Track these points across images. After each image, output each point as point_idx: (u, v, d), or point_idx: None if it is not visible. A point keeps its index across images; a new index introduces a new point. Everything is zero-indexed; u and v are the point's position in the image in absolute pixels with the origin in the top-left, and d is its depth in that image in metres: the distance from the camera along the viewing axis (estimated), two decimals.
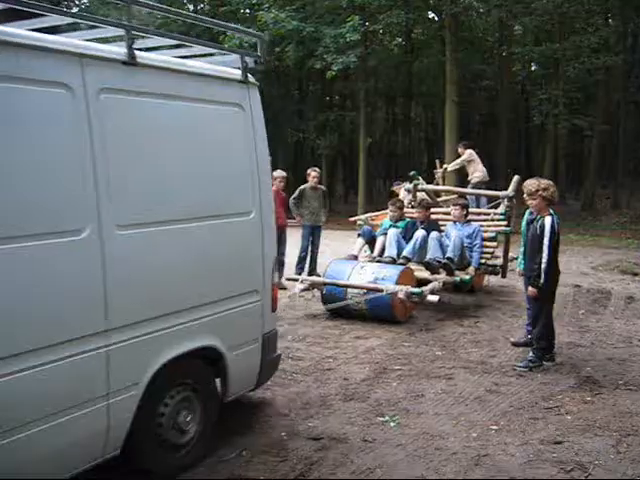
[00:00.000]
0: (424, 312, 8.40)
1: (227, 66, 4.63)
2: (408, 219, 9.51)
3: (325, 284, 8.39)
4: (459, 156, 14.78)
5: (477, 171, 14.30)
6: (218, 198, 4.38)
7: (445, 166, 15.00)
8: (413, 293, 7.64)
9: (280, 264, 9.62)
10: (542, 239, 6.16)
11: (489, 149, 27.64)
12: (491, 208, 10.37)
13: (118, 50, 3.76)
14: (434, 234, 8.68)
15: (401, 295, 7.59)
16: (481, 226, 9.22)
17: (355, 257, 9.25)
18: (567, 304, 9.06)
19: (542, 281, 6.18)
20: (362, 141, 23.05)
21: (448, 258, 8.42)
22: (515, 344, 7.01)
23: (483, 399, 5.53)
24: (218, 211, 4.37)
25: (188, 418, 4.23)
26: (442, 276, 8.33)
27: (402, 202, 9.97)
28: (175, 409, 4.14)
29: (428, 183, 11.50)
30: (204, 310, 4.23)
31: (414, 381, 5.94)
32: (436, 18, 24.99)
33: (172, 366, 4.01)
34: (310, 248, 10.39)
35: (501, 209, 9.62)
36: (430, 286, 7.92)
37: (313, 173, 10.50)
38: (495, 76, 27.79)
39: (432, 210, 9.72)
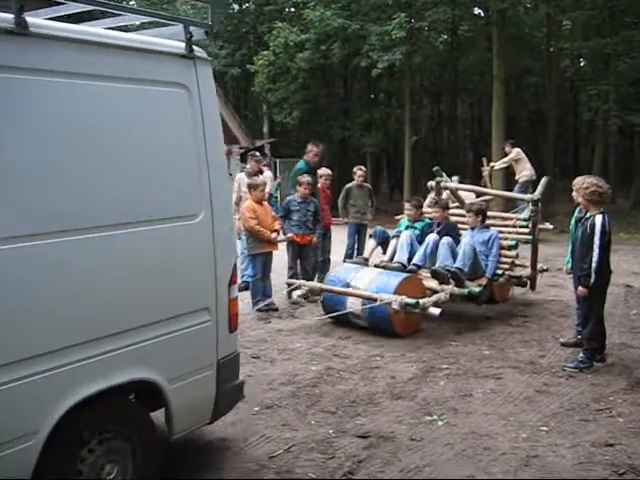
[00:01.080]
0: (472, 311, 8.32)
1: (173, 39, 3.84)
2: (427, 220, 8.80)
3: (322, 290, 7.80)
4: (506, 154, 14.65)
5: (525, 170, 14.16)
6: (152, 199, 3.62)
7: (492, 164, 14.85)
8: (408, 304, 6.82)
9: (327, 262, 9.67)
10: (592, 238, 6.06)
11: (537, 146, 27.24)
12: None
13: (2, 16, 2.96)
14: (445, 240, 7.92)
15: (395, 306, 6.83)
16: (500, 232, 8.44)
17: (366, 260, 8.63)
18: (618, 304, 8.88)
19: (592, 281, 6.08)
20: (407, 139, 22.90)
21: (457, 268, 7.64)
22: (565, 344, 6.91)
23: (532, 399, 5.47)
24: (151, 215, 3.59)
25: (114, 473, 3.43)
26: (449, 287, 7.51)
27: (420, 200, 9.23)
28: (97, 464, 3.35)
29: (474, 182, 11.36)
30: (132, 336, 3.46)
31: (462, 380, 5.91)
32: (482, 14, 24.72)
33: (87, 408, 3.24)
34: (356, 246, 10.39)
35: (525, 214, 8.71)
36: (434, 297, 7.22)
37: (359, 172, 10.50)
38: (543, 72, 27.33)
39: (458, 212, 9.06)
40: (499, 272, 8.21)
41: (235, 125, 20.38)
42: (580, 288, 6.24)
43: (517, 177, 14.20)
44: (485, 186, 13.62)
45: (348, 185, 10.51)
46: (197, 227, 3.87)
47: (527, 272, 8.72)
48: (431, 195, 9.83)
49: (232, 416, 5.03)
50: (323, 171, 9.89)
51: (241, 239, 8.81)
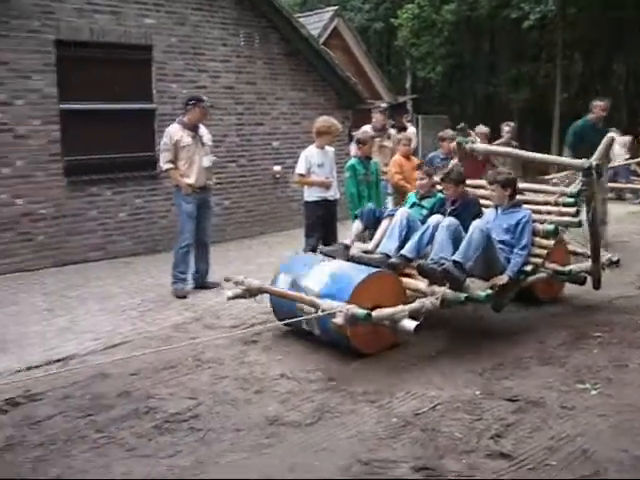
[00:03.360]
0: (620, 276, 7.85)
1: None
2: (440, 195, 6.74)
3: (260, 291, 6.09)
4: None
5: None
6: None
7: None
8: (356, 316, 4.93)
9: None
10: None
11: None
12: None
13: None
14: (447, 221, 5.82)
15: (337, 319, 4.90)
16: (537, 212, 6.19)
17: (347, 248, 6.52)
18: None
19: None
20: (557, 95, 21.86)
21: (455, 262, 5.50)
22: None
23: None
24: None
25: None
26: (442, 289, 5.46)
27: (432, 169, 7.14)
28: None
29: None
30: None
31: (617, 349, 5.61)
32: None
33: None
34: None
35: (573, 187, 6.60)
36: (408, 307, 5.24)
37: (506, 128, 10.15)
38: None
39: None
40: (527, 268, 5.94)
41: (378, 80, 20.19)
42: None
43: None
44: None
45: (496, 142, 10.17)
46: None
47: (586, 265, 6.74)
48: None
49: (374, 372, 5.09)
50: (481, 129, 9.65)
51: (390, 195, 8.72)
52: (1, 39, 8.61)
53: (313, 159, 7.60)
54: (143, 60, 10.03)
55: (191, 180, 7.52)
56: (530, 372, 5.11)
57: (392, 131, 10.21)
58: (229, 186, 11.09)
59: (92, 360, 5.45)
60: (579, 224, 6.08)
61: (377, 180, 7.88)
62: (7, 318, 6.73)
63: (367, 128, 9.68)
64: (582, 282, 6.76)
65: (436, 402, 4.55)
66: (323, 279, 5.63)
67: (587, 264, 6.71)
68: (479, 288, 5.60)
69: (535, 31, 24.78)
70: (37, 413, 4.43)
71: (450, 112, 25.97)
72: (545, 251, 6.04)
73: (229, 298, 6.24)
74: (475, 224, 5.64)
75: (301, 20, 13.22)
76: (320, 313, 5.13)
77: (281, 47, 11.73)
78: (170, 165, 7.53)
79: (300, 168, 7.62)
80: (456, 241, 5.68)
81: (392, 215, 6.45)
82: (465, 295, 5.45)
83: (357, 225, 6.74)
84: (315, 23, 17.74)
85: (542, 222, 6.07)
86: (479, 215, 6.20)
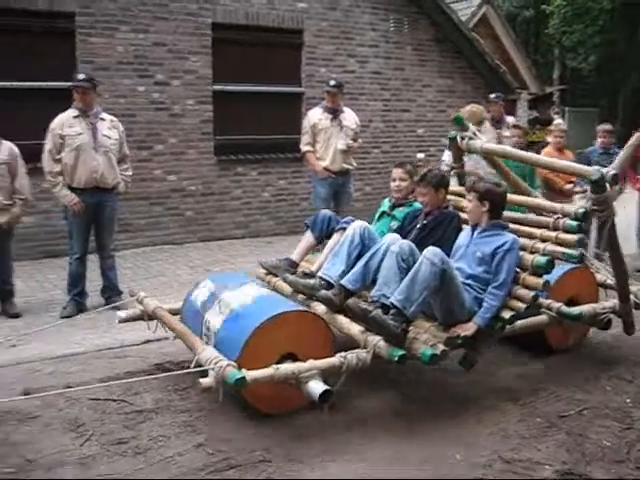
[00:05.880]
0: None
1: None
2: (418, 204, 5.08)
3: (154, 315, 4.72)
4: None
5: None
6: None
7: None
8: (227, 380, 3.57)
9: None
10: None
11: None
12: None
13: None
14: (398, 246, 4.25)
15: (206, 381, 3.60)
16: (526, 236, 4.52)
17: (294, 266, 5.06)
18: None
19: None
20: None
21: (392, 304, 4.01)
22: None
23: None
24: None
25: None
26: (375, 340, 4.00)
27: (413, 168, 5.30)
28: None
29: None
30: None
31: None
32: None
33: None
34: None
35: (578, 205, 5.17)
36: (324, 363, 3.89)
37: None
38: None
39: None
40: (504, 315, 4.27)
41: (525, 70, 19.52)
42: None
43: None
44: None
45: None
46: None
47: (612, 304, 5.17)
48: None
49: (519, 368, 4.96)
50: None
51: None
52: (161, 22, 9.02)
53: None
54: (294, 44, 10.20)
55: (326, 163, 7.62)
56: None
57: (509, 119, 9.29)
58: (371, 172, 11.12)
59: None
60: (579, 258, 4.30)
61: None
62: (153, 289, 7.04)
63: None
64: (606, 326, 5.17)
65: (583, 406, 4.37)
66: (224, 314, 4.26)
67: (611, 303, 5.20)
68: (434, 338, 4.11)
69: None
70: (185, 380, 4.61)
71: (598, 105, 24.78)
72: (532, 291, 4.28)
73: (121, 320, 4.90)
74: (427, 253, 4.02)
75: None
76: (192, 368, 3.87)
77: (430, 33, 11.58)
78: (308, 148, 7.69)
79: (445, 157, 7.52)
80: (407, 271, 4.10)
81: (344, 228, 4.87)
82: (399, 354, 3.88)
83: (307, 237, 5.15)
84: (463, 10, 17.37)
85: (534, 251, 4.39)
86: (454, 231, 4.73)
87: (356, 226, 4.70)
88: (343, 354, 3.94)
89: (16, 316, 6.25)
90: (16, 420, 4.01)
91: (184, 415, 4.14)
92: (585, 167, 4.60)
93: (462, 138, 5.16)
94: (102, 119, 6.33)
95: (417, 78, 11.59)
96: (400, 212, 5.09)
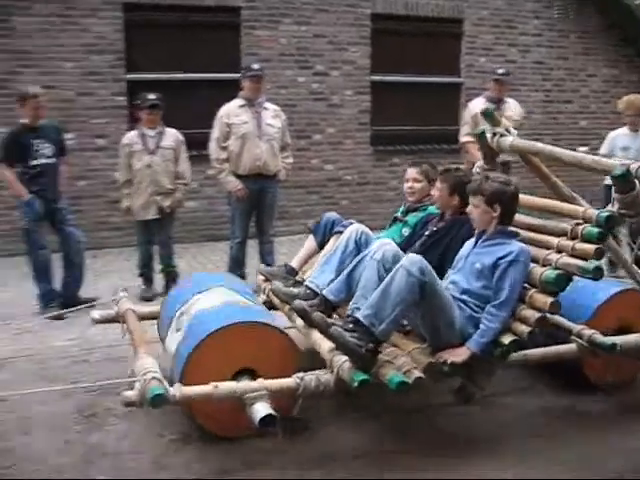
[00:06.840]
0: None
1: None
2: (433, 208, 4.52)
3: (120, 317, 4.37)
4: None
5: None
6: None
7: None
8: (149, 395, 3.11)
9: None
10: None
11: None
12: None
13: None
14: (381, 252, 3.66)
15: (129, 394, 3.16)
16: (536, 244, 3.76)
17: (294, 273, 4.54)
18: None
19: None
20: None
21: (358, 322, 3.38)
22: None
23: None
24: None
25: None
26: (342, 359, 3.37)
27: (430, 168, 4.72)
28: None
29: None
30: None
31: None
32: None
33: None
34: None
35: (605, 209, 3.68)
36: (276, 384, 3.38)
37: None
38: None
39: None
40: (504, 340, 3.52)
41: None
42: None
43: None
44: None
45: None
46: None
47: None
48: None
49: None
50: None
51: None
52: (322, 14, 9.17)
53: (618, 141, 7.08)
54: (453, 33, 10.05)
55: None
56: None
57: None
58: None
59: None
60: (598, 272, 3.41)
61: None
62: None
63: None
64: None
65: None
66: (189, 321, 3.86)
67: None
68: (414, 362, 3.44)
69: None
70: None
71: None
72: (539, 314, 3.47)
73: (96, 321, 4.56)
74: (405, 260, 3.41)
75: None
76: (128, 377, 3.39)
77: (597, 20, 10.99)
78: (468, 138, 7.54)
79: (602, 149, 7.15)
80: (389, 283, 3.43)
81: (340, 232, 4.39)
82: (360, 378, 3.24)
83: (308, 243, 4.76)
84: None
85: (545, 264, 3.59)
86: (463, 238, 4.01)
87: (352, 230, 4.20)
88: (301, 375, 3.39)
89: None
90: None
91: None
92: (606, 160, 3.93)
93: (493, 134, 4.23)
94: (266, 108, 6.54)
95: (581, 67, 11.06)
96: (413, 217, 4.60)
